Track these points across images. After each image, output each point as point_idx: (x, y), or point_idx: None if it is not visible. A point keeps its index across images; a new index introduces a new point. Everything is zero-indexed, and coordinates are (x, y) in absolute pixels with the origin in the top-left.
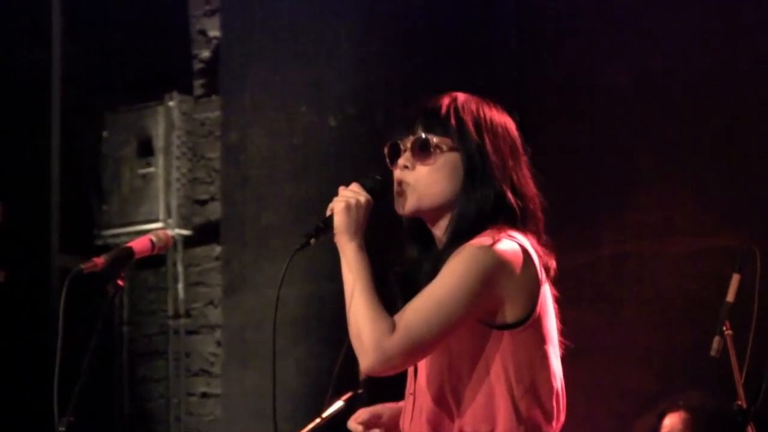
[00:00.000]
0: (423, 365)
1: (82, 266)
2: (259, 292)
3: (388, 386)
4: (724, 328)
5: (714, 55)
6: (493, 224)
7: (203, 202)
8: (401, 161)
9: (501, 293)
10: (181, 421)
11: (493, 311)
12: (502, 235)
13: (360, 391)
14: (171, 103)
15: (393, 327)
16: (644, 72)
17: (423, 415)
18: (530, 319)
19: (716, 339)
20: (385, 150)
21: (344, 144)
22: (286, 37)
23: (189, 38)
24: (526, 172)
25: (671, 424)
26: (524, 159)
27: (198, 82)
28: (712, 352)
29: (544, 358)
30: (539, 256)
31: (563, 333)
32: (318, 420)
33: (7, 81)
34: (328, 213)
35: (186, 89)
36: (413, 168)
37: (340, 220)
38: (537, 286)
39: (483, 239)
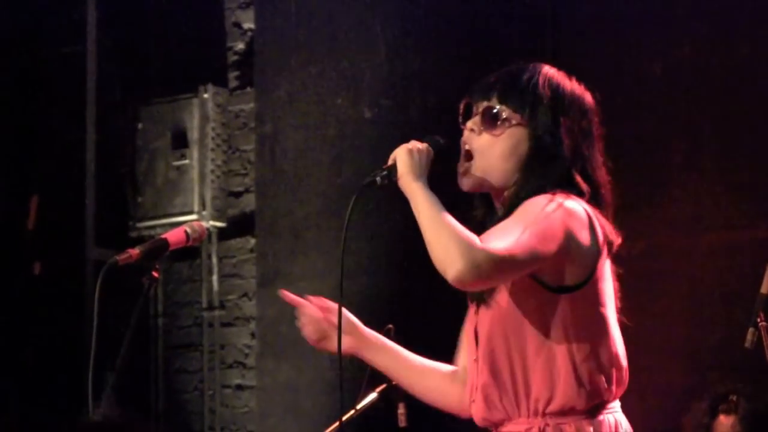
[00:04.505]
0: (485, 331)
1: (117, 258)
2: (294, 284)
3: None
4: (759, 320)
5: (748, 45)
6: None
7: (238, 194)
8: (470, 124)
9: (565, 248)
10: (215, 413)
11: (555, 270)
12: (565, 195)
13: (394, 383)
14: (206, 96)
15: (479, 241)
16: (677, 62)
17: (487, 382)
18: (589, 282)
19: (750, 331)
20: (461, 107)
21: (379, 136)
22: (321, 29)
23: (224, 30)
24: (598, 157)
25: (725, 428)
26: (598, 144)
27: (233, 75)
28: (747, 344)
29: (603, 322)
30: (602, 226)
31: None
32: (352, 412)
33: (43, 74)
34: (390, 162)
35: (221, 81)
36: (479, 134)
37: (403, 163)
38: (598, 250)
39: (546, 195)
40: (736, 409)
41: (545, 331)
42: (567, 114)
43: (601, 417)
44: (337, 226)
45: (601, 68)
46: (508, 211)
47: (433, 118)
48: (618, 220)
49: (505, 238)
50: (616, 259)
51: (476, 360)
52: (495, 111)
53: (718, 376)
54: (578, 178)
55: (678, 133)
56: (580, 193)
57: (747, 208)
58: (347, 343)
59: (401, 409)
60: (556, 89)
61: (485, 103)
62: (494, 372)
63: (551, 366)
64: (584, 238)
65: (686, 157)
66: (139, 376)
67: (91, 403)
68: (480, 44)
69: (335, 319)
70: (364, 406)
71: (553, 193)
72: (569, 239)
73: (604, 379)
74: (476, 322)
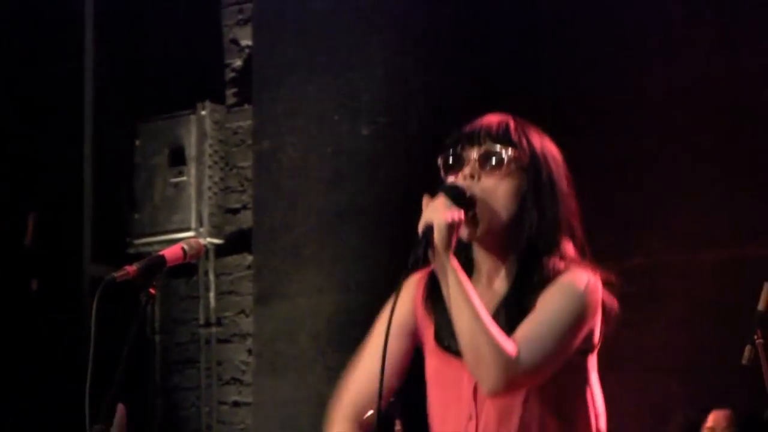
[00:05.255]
0: None
1: (114, 275)
2: (291, 301)
3: (421, 395)
4: (756, 337)
5: (750, 59)
6: (561, 250)
7: (235, 211)
8: (467, 171)
9: (593, 322)
10: (212, 429)
11: (584, 339)
12: (590, 269)
13: (391, 399)
14: (203, 112)
15: (515, 349)
16: (678, 77)
17: None
18: (599, 343)
19: (747, 348)
20: (443, 160)
21: (377, 153)
22: (319, 46)
23: (221, 47)
24: (574, 203)
25: (716, 420)
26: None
27: (230, 91)
28: (744, 361)
29: (598, 383)
30: (603, 296)
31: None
32: None
33: (40, 91)
34: (422, 226)
35: (218, 98)
36: (479, 179)
37: (443, 238)
38: (603, 314)
39: (580, 274)
40: (729, 408)
41: (568, 391)
42: (555, 159)
43: None
44: (334, 244)
45: (601, 82)
46: (532, 277)
47: (431, 136)
48: (618, 236)
49: (533, 345)
50: (618, 275)
51: (471, 418)
52: (499, 153)
53: (716, 393)
54: (573, 222)
55: (677, 151)
56: (579, 247)
57: (747, 225)
58: None
59: (398, 426)
60: (540, 134)
61: (479, 148)
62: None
63: (571, 425)
64: (599, 307)
65: (686, 174)
66: (136, 392)
67: (88, 420)
68: (479, 62)
69: None
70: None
71: (581, 266)
72: (596, 314)
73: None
74: (475, 380)
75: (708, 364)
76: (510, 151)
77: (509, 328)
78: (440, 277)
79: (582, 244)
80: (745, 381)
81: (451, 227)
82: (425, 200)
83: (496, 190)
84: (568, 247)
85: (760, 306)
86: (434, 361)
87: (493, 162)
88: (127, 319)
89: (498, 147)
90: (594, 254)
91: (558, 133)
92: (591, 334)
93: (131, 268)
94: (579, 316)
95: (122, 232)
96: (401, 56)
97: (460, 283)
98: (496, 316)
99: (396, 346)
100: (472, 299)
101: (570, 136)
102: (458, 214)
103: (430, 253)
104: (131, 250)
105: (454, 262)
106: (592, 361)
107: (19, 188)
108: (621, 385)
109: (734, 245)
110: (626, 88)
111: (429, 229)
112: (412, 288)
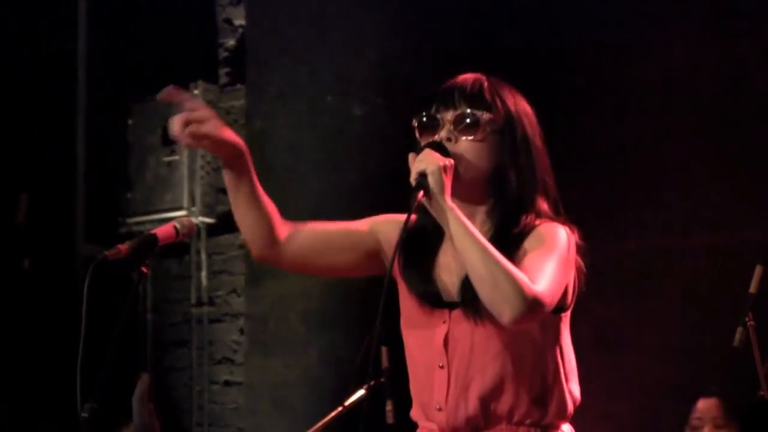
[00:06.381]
0: (470, 343)
1: (106, 253)
2: (282, 281)
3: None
4: (747, 320)
5: (743, 47)
6: (537, 208)
7: (227, 191)
8: (443, 134)
9: (569, 278)
10: (203, 409)
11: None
12: (565, 224)
13: (382, 380)
14: (196, 92)
15: (530, 278)
16: (671, 66)
17: (471, 393)
18: (574, 301)
19: (739, 330)
20: (418, 121)
21: (369, 134)
22: (312, 26)
23: (215, 27)
24: (547, 160)
25: (704, 410)
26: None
27: (223, 71)
28: (735, 343)
29: (571, 343)
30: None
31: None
32: (340, 408)
33: (34, 71)
34: (414, 177)
35: (211, 78)
36: (456, 141)
37: (437, 182)
38: (577, 271)
39: (557, 226)
40: (716, 392)
41: (543, 350)
42: (528, 117)
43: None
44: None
45: (595, 70)
46: (502, 224)
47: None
48: (614, 220)
49: (543, 276)
50: (609, 258)
51: (443, 367)
52: (475, 116)
53: (709, 374)
54: (549, 181)
55: (671, 136)
56: (554, 205)
57: (737, 209)
58: (231, 149)
59: (389, 406)
60: (513, 92)
61: (455, 111)
62: (478, 385)
63: (544, 384)
64: (574, 265)
65: (680, 159)
66: (127, 371)
67: (79, 399)
68: (471, 43)
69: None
70: (351, 402)
71: (556, 221)
72: (573, 264)
73: (578, 391)
74: (447, 330)
75: (701, 346)
76: (485, 113)
77: None
78: (439, 220)
79: (555, 201)
80: (737, 363)
81: (444, 169)
82: (411, 157)
83: (471, 153)
84: (543, 205)
85: (752, 289)
86: (408, 303)
87: (469, 124)
88: (119, 298)
89: (473, 109)
90: (589, 238)
91: (554, 119)
92: (566, 291)
93: (123, 247)
94: (567, 253)
95: (115, 211)
96: (394, 37)
97: (461, 222)
98: None
99: (346, 242)
100: (476, 235)
101: (566, 122)
102: (448, 160)
103: (426, 201)
104: (124, 230)
105: (452, 204)
106: (566, 321)
107: (12, 167)
108: (617, 366)
109: (727, 229)
110: (623, 75)
111: (422, 176)
112: (394, 225)
